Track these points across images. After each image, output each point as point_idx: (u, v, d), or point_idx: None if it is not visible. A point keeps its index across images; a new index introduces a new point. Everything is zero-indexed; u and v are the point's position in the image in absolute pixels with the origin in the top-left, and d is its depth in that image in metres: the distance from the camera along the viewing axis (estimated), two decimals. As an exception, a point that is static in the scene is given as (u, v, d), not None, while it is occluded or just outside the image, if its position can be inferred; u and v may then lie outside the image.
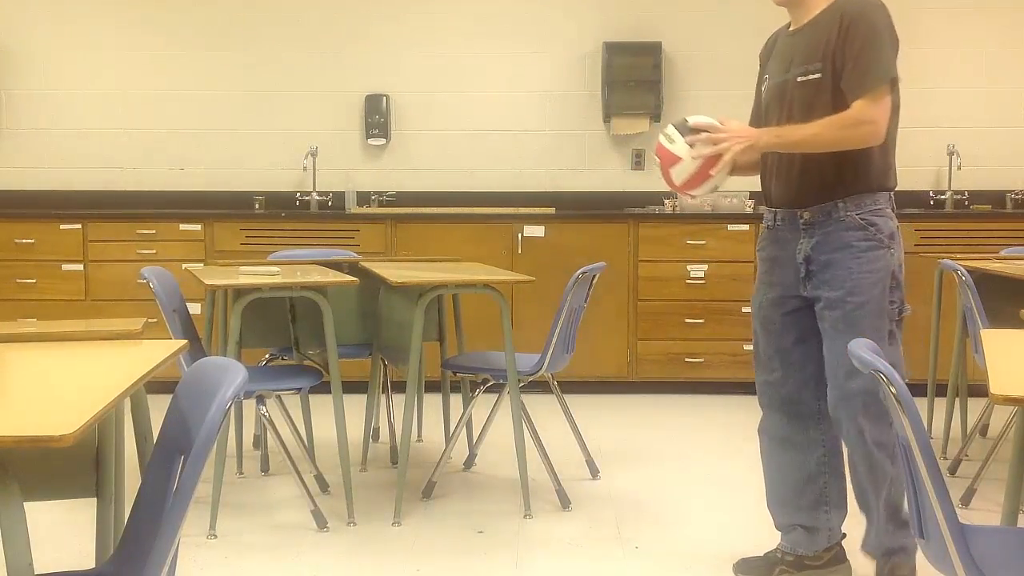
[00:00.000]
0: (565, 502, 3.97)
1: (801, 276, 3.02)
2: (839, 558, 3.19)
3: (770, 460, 3.21)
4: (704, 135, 2.92)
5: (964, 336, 4.47)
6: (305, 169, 6.47)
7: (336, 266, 4.40)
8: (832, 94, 2.89)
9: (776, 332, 3.12)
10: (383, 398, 4.82)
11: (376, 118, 6.49)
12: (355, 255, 5.07)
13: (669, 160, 2.98)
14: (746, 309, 5.93)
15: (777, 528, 3.24)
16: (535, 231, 6.01)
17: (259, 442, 4.61)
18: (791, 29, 3.08)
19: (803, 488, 3.14)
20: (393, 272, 4.05)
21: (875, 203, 2.95)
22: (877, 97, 2.84)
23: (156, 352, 2.22)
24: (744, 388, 5.85)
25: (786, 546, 3.20)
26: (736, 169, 3.09)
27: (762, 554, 3.26)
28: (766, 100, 3.10)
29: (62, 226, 6.01)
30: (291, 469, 3.82)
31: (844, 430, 3.00)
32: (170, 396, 1.90)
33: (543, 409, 4.56)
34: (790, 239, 3.05)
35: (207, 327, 4.45)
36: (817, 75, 2.91)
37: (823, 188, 2.96)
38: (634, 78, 6.41)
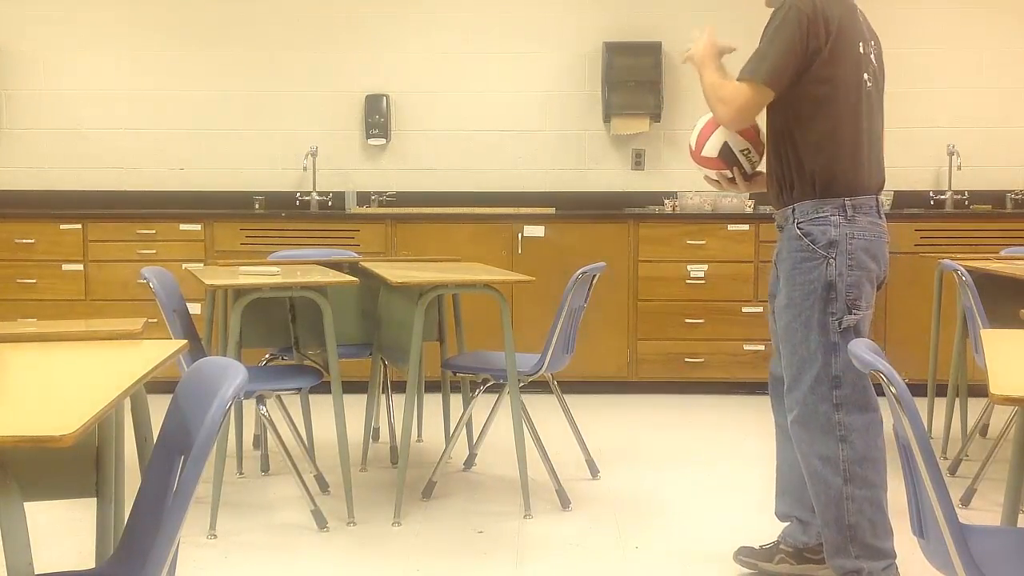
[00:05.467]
0: (565, 502, 3.97)
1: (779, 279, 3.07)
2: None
3: (778, 450, 3.24)
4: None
5: (964, 336, 4.47)
6: (305, 169, 6.47)
7: (336, 266, 4.40)
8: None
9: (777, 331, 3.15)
10: (383, 398, 4.82)
11: (376, 118, 6.49)
12: (355, 255, 5.07)
13: (693, 135, 3.17)
14: (746, 309, 6.01)
15: (776, 516, 3.27)
16: (535, 231, 6.01)
17: (259, 442, 4.61)
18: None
19: (803, 482, 3.13)
20: (393, 272, 4.05)
21: (818, 211, 2.90)
22: (743, 86, 2.89)
23: (156, 352, 2.22)
24: (744, 388, 5.88)
25: (783, 537, 3.23)
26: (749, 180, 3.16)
27: (759, 546, 3.28)
28: None
29: (62, 226, 6.01)
30: (291, 469, 3.82)
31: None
32: (170, 396, 1.90)
33: (543, 409, 4.55)
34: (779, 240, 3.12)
35: (207, 327, 4.45)
36: None
37: (778, 192, 3.00)
38: (634, 78, 6.41)
